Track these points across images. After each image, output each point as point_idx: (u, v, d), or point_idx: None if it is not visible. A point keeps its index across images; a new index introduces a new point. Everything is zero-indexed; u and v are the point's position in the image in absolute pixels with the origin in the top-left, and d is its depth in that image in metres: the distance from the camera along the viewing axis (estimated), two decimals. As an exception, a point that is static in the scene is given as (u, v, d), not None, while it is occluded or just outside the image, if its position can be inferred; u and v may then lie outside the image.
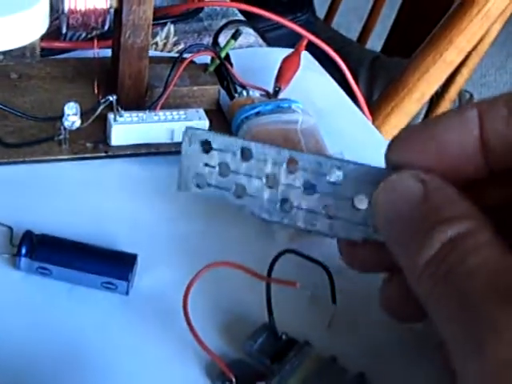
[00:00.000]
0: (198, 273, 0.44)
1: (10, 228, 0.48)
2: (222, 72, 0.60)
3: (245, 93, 0.59)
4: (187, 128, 0.44)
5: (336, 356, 0.43)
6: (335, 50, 0.67)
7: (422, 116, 1.14)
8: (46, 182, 0.53)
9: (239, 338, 0.44)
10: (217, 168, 0.44)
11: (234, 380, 0.42)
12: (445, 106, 1.13)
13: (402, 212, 0.35)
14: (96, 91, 0.58)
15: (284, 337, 0.44)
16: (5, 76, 0.59)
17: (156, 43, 0.68)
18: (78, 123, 0.51)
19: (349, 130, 0.61)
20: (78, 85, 0.59)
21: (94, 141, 0.55)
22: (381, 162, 0.60)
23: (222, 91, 0.60)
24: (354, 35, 1.58)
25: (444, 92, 1.11)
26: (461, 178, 0.36)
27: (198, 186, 0.45)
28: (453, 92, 1.12)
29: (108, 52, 0.60)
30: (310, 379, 0.41)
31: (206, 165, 0.44)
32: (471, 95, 1.27)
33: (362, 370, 0.42)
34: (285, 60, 0.62)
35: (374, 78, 1.23)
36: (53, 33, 0.64)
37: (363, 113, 0.65)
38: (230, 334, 0.45)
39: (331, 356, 0.43)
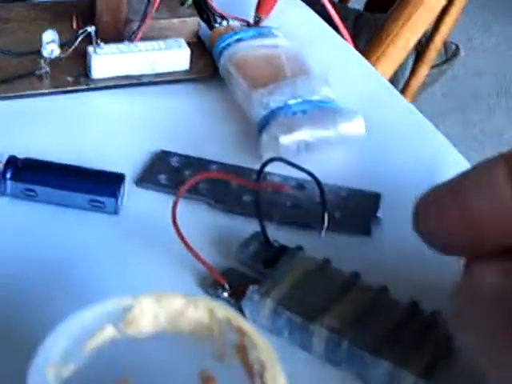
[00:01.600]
0: (187, 183, 0.43)
1: (-6, 158, 0.47)
2: (201, 4, 0.60)
3: (225, 23, 0.59)
4: None
5: (329, 258, 0.42)
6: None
7: (409, 67, 1.14)
8: (29, 117, 0.52)
9: (230, 248, 0.44)
10: None
11: (226, 286, 0.41)
12: (431, 56, 1.13)
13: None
14: (75, 27, 0.57)
15: (276, 244, 0.43)
16: (-18, 20, 0.58)
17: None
18: (56, 52, 0.51)
19: (333, 56, 0.61)
20: (58, 25, 0.58)
21: (74, 74, 0.54)
22: (364, 83, 0.59)
23: (202, 25, 0.60)
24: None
25: (429, 42, 1.11)
26: None
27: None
28: (438, 42, 1.11)
29: (86, -5, 0.59)
30: (304, 280, 0.41)
31: None
32: (457, 46, 1.27)
33: (356, 271, 0.42)
34: (264, -11, 0.61)
35: (358, 35, 1.22)
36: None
37: (346, 41, 0.64)
38: (221, 244, 0.45)
39: (324, 258, 0.42)
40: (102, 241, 0.44)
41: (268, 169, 0.44)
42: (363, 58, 0.62)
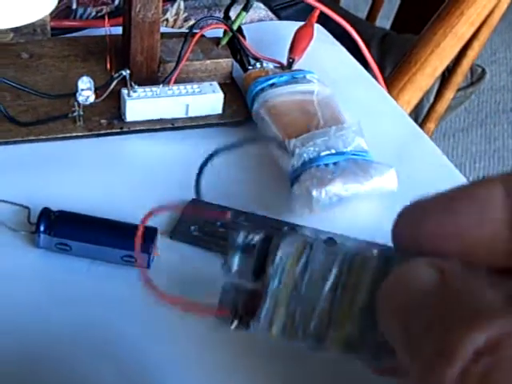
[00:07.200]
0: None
1: (27, 207, 0.47)
2: (235, 45, 0.59)
3: (258, 65, 0.59)
4: None
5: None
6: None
7: (434, 91, 1.13)
8: (62, 160, 0.52)
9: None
10: None
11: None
12: (457, 80, 1.12)
13: (413, 306, 0.26)
14: (108, 68, 0.57)
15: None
16: (16, 56, 0.58)
17: (166, 20, 0.67)
18: (92, 98, 0.50)
19: (365, 100, 0.60)
20: (90, 63, 0.59)
21: (108, 117, 0.54)
22: (396, 130, 0.59)
23: (236, 64, 0.59)
24: (361, 16, 1.56)
25: (456, 66, 1.10)
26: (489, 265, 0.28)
27: None
28: (465, 66, 1.10)
29: (119, 30, 0.59)
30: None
31: None
32: (483, 70, 1.26)
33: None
34: (298, 31, 0.61)
35: (385, 54, 1.21)
36: (63, 12, 0.64)
37: (378, 82, 0.64)
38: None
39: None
40: (133, 295, 0.44)
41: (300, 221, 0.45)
42: (395, 103, 0.62)
